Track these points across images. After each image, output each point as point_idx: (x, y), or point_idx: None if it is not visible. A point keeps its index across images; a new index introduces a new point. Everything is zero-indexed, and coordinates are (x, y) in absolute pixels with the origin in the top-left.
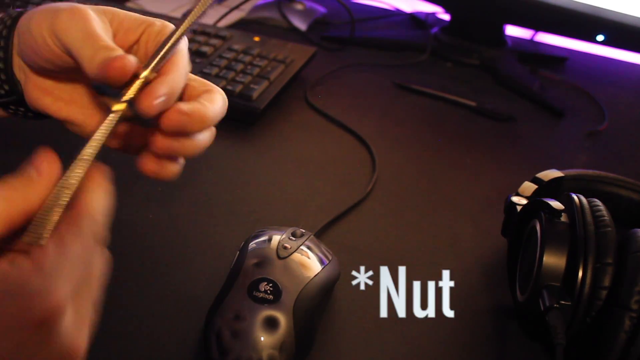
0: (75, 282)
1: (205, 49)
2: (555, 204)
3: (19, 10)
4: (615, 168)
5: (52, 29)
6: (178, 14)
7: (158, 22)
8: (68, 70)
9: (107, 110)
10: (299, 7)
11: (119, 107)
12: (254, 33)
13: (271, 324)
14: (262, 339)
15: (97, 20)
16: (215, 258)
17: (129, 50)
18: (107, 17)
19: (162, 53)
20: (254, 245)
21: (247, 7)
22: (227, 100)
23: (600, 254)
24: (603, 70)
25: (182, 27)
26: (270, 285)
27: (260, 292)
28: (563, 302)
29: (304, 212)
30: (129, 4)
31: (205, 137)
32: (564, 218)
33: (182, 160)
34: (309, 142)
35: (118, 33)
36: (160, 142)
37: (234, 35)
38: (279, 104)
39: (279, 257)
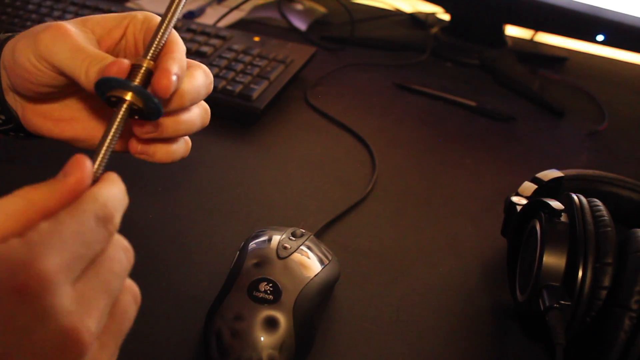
0: (68, 258)
1: (205, 49)
2: (555, 204)
3: (3, 37)
4: (615, 168)
5: (38, 53)
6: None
7: (140, 13)
8: (66, 88)
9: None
10: (299, 7)
11: (129, 96)
12: (254, 33)
13: (271, 324)
14: (262, 339)
15: (78, 32)
16: (215, 258)
17: (117, 46)
18: (88, 26)
19: (157, 39)
20: (254, 245)
21: (247, 7)
22: (211, 76)
23: (600, 254)
24: (603, 70)
25: (171, 11)
26: (270, 285)
27: (260, 292)
28: (563, 302)
29: (304, 212)
30: (129, 4)
31: (196, 113)
32: (563, 218)
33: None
34: (309, 142)
35: (103, 36)
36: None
37: (234, 35)
38: (279, 104)
39: (279, 257)
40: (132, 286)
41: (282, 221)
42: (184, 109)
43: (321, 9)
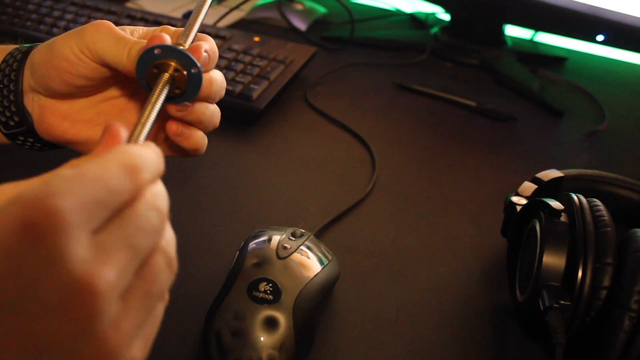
0: (87, 200)
1: None
2: (555, 204)
3: (28, 45)
4: (615, 168)
5: (83, 43)
6: (178, 13)
7: (173, 28)
8: (98, 86)
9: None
10: (299, 7)
11: (173, 63)
12: (254, 33)
13: (271, 324)
14: (262, 339)
15: (118, 28)
16: (215, 258)
17: None
18: (125, 30)
19: (195, 25)
20: (254, 245)
21: (247, 7)
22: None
23: (599, 254)
24: (603, 70)
25: (202, 8)
26: (270, 285)
27: (260, 292)
28: (563, 302)
29: (304, 212)
30: (129, 4)
31: (214, 109)
32: (563, 218)
33: (202, 135)
34: (308, 142)
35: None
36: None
37: (234, 35)
38: (279, 104)
39: (279, 257)
40: (167, 251)
41: (282, 221)
42: (210, 98)
43: (321, 9)
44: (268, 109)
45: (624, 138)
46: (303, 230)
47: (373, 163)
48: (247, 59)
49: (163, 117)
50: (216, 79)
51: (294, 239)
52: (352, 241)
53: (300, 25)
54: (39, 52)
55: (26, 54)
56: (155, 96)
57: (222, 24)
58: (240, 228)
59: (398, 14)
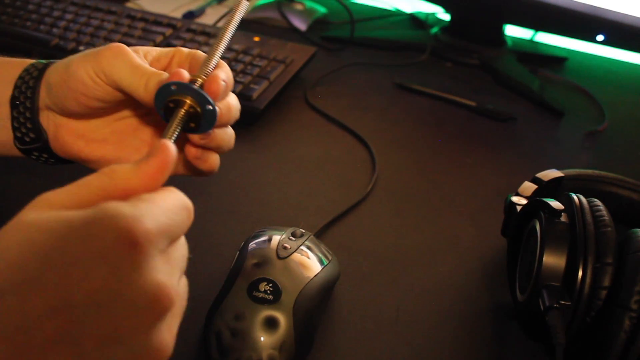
0: (162, 227)
1: (205, 49)
2: (555, 204)
3: (44, 62)
4: (615, 168)
5: (99, 68)
6: (178, 14)
7: (185, 49)
8: (112, 108)
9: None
10: (299, 7)
11: (189, 99)
12: (254, 33)
13: (271, 324)
14: (262, 339)
15: (134, 54)
16: (215, 258)
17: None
18: (139, 52)
19: (214, 58)
20: (254, 245)
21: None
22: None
23: (600, 254)
24: (603, 70)
25: (225, 33)
26: (270, 285)
27: (260, 292)
28: (563, 302)
29: (304, 212)
30: (129, 4)
31: (231, 132)
32: (563, 218)
33: (217, 158)
34: (309, 142)
35: (152, 63)
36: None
37: (234, 35)
38: (279, 104)
39: (279, 257)
40: (184, 278)
41: (282, 221)
42: (227, 124)
43: (321, 9)
44: (268, 109)
45: (624, 138)
46: (303, 230)
47: (373, 163)
48: (247, 59)
49: (182, 139)
50: (232, 104)
51: (294, 239)
52: (352, 241)
53: (300, 25)
54: (55, 72)
55: (42, 71)
56: (170, 131)
57: (222, 24)
58: (240, 228)
59: (398, 14)
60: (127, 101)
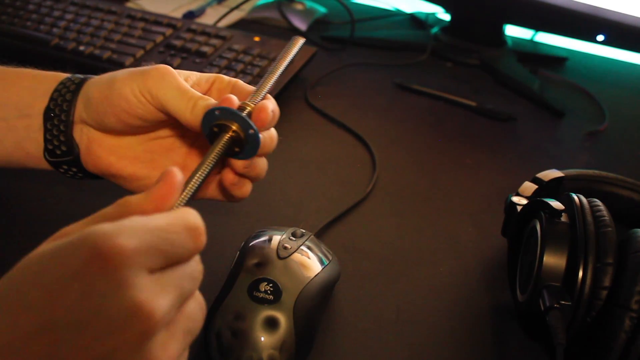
0: (148, 245)
1: (205, 49)
2: (555, 204)
3: (81, 76)
4: (615, 168)
5: (145, 87)
6: (178, 14)
7: (226, 77)
8: (152, 127)
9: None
10: (299, 7)
11: (235, 126)
12: (254, 33)
13: (271, 324)
14: (262, 339)
15: (180, 77)
16: (215, 258)
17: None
18: (181, 75)
19: (265, 89)
20: (254, 245)
21: (247, 7)
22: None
23: (600, 254)
24: (603, 70)
25: (279, 67)
26: (271, 285)
27: (260, 292)
28: (563, 302)
29: (304, 212)
30: (129, 4)
31: (266, 163)
32: (564, 218)
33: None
34: (309, 142)
35: (192, 86)
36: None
37: (234, 35)
38: (279, 104)
39: (279, 257)
40: (199, 297)
41: (282, 221)
42: (267, 154)
43: (321, 9)
44: None
45: (624, 138)
46: (303, 230)
47: (373, 163)
48: (248, 59)
49: (219, 167)
50: (274, 136)
51: (294, 239)
52: (352, 241)
53: (300, 25)
54: (96, 88)
55: (80, 85)
56: (213, 155)
57: (222, 24)
58: (240, 228)
59: (398, 14)
60: (165, 122)
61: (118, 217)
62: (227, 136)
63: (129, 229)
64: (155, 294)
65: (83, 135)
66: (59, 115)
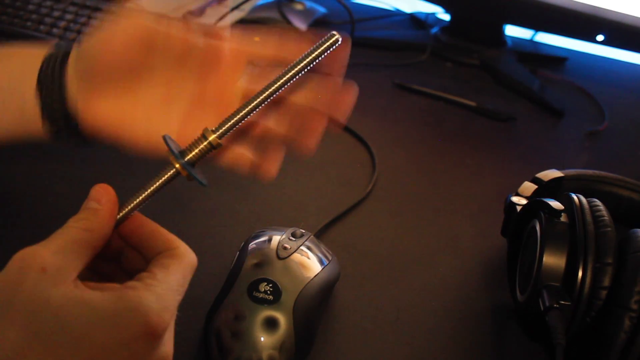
0: (176, 305)
1: None
2: (555, 204)
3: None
4: (615, 168)
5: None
6: (178, 14)
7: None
8: (142, 68)
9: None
10: (299, 7)
11: (177, 165)
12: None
13: (271, 324)
14: (262, 339)
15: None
16: (215, 258)
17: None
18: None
19: (231, 122)
20: (254, 245)
21: (247, 7)
22: None
23: (600, 254)
24: (603, 70)
25: (256, 100)
26: (270, 285)
27: (260, 292)
28: (563, 302)
29: (304, 212)
30: (129, 4)
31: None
32: (563, 218)
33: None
34: None
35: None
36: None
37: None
38: None
39: (279, 258)
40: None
41: (282, 221)
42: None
43: (321, 9)
44: None
45: (624, 138)
46: (303, 231)
47: (373, 163)
48: None
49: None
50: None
51: (294, 239)
52: (352, 241)
53: (300, 25)
54: (86, 40)
55: (68, 51)
56: (155, 184)
57: (222, 24)
58: (240, 228)
59: (398, 14)
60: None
61: (84, 246)
62: (169, 174)
63: (170, 301)
64: (171, 339)
65: (80, 95)
66: (51, 82)
